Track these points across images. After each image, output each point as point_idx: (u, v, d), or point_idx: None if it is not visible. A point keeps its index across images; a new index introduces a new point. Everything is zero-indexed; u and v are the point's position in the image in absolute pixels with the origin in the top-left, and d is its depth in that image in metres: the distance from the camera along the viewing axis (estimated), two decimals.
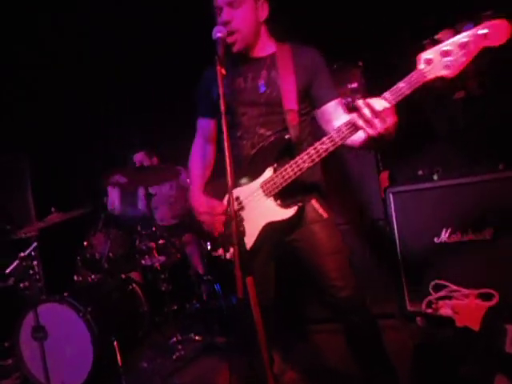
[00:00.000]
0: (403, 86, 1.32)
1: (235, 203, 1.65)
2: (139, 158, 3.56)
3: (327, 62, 1.71)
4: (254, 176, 1.61)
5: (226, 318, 3.00)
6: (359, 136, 1.43)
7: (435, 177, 2.60)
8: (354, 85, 2.73)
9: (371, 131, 1.34)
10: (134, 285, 2.97)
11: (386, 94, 1.34)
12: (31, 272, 2.99)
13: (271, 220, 1.57)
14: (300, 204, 1.56)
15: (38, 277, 3.00)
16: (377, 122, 1.32)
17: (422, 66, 1.31)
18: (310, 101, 1.69)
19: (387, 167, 3.09)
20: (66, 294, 2.57)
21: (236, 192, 1.65)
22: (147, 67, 3.67)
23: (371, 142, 1.39)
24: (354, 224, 2.76)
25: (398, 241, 2.57)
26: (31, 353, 2.54)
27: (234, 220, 1.20)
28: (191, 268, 3.22)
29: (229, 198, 1.21)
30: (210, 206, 1.72)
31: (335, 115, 1.63)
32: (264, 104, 1.66)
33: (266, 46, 1.70)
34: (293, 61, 1.65)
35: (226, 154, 1.19)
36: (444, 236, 2.49)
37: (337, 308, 1.66)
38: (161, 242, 3.04)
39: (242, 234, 1.26)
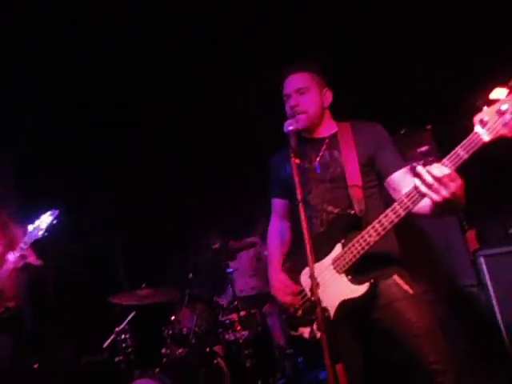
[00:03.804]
0: (460, 151, 1.31)
1: (308, 282, 1.65)
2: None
3: (393, 129, 1.75)
4: (325, 253, 1.63)
5: None
6: (426, 203, 1.42)
7: None
8: (424, 148, 2.71)
9: (436, 197, 1.32)
10: (219, 359, 3.00)
11: (445, 161, 1.33)
12: (124, 345, 3.19)
13: (345, 298, 1.54)
14: (372, 280, 1.53)
15: (130, 350, 3.19)
16: (440, 187, 1.30)
17: (477, 128, 1.28)
18: (377, 174, 1.73)
19: (473, 225, 2.90)
20: (157, 371, 2.68)
21: (309, 271, 1.68)
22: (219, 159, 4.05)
23: (440, 209, 1.37)
24: (441, 292, 2.54)
25: (498, 311, 2.32)
26: None
27: (319, 307, 1.23)
28: (273, 341, 3.18)
29: (312, 284, 1.25)
30: (285, 285, 1.77)
31: (403, 184, 1.63)
32: (329, 181, 1.74)
33: (329, 128, 1.84)
34: (354, 138, 1.74)
35: (307, 247, 1.26)
36: None
37: None
38: (242, 313, 3.10)
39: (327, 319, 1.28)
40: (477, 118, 1.29)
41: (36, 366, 3.62)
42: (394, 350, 1.59)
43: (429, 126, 2.75)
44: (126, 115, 3.99)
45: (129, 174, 4.18)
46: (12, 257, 2.43)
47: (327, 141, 1.79)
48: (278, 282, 1.83)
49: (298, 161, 1.51)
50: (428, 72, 3.11)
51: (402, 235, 1.79)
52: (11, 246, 2.52)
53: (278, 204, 2.03)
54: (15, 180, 4.01)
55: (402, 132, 2.81)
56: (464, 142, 1.31)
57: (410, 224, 2.74)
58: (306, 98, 1.77)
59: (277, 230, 2.04)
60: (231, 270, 3.10)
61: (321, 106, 1.80)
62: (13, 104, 3.56)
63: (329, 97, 1.83)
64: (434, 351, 1.50)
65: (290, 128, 1.61)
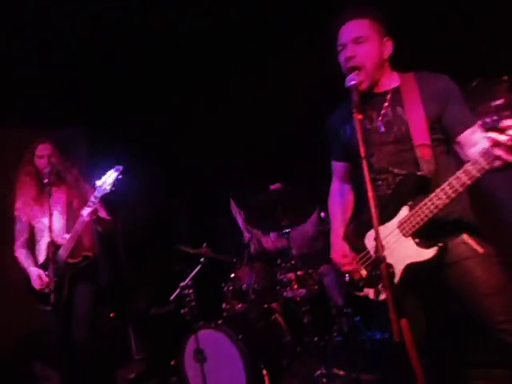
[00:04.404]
0: None
1: (373, 244, 1.63)
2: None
3: (463, 81, 1.62)
4: (390, 215, 1.59)
5: (369, 354, 2.91)
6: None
7: None
8: (500, 101, 2.46)
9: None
10: (277, 315, 3.12)
11: None
12: (188, 299, 3.42)
13: (412, 261, 1.51)
14: (441, 244, 1.48)
15: (194, 304, 3.41)
16: None
17: None
18: (445, 131, 1.61)
19: None
20: (220, 322, 2.86)
21: (374, 233, 1.65)
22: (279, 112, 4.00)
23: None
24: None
25: None
26: (194, 373, 2.86)
27: (384, 263, 1.23)
28: (331, 300, 3.24)
29: (376, 243, 1.24)
30: (344, 253, 1.77)
31: (473, 142, 1.52)
32: (393, 142, 1.63)
33: (389, 81, 1.69)
34: (419, 91, 1.60)
35: (372, 205, 1.24)
36: None
37: (507, 354, 1.48)
38: (299, 273, 3.17)
39: (391, 276, 1.27)
40: None
41: (112, 314, 4.03)
42: (461, 308, 1.56)
43: (506, 77, 2.48)
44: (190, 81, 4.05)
45: (193, 138, 4.31)
46: (85, 211, 2.64)
47: (389, 96, 1.66)
48: (338, 247, 1.82)
49: (360, 116, 1.45)
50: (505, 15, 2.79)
51: (472, 195, 1.70)
52: (84, 201, 2.74)
53: (338, 167, 1.98)
54: (86, 142, 4.31)
55: (473, 85, 2.58)
56: None
57: (480, 184, 2.59)
58: (363, 48, 1.61)
59: (338, 192, 2.00)
60: (288, 230, 3.15)
61: (380, 57, 1.64)
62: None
63: (389, 47, 1.67)
64: (505, 310, 1.45)
65: (353, 82, 1.54)
